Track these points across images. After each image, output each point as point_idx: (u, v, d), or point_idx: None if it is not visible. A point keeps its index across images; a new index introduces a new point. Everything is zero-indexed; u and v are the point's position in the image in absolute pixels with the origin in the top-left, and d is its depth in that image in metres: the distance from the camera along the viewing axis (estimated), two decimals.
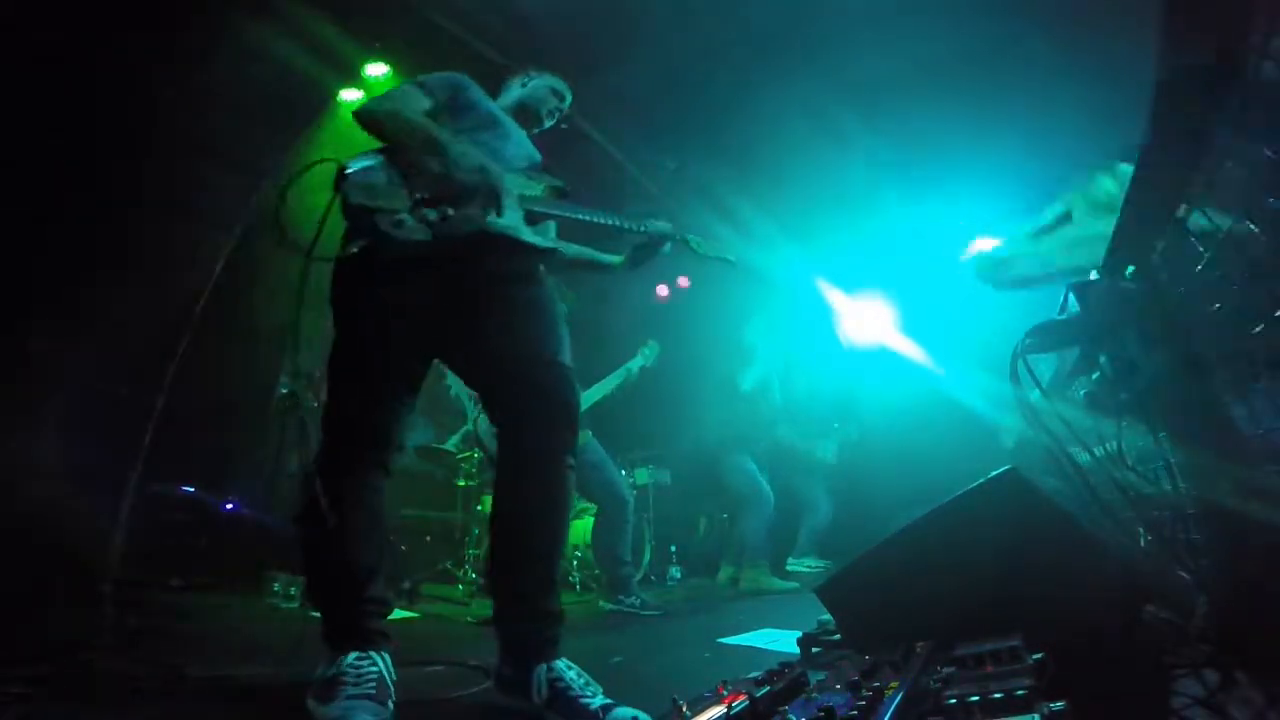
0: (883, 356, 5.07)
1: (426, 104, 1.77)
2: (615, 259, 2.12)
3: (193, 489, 3.30)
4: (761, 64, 3.67)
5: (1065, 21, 3.20)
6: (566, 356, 1.70)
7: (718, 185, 4.56)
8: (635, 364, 3.91)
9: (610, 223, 1.95)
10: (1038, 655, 0.90)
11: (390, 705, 1.41)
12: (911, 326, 5.01)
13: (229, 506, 3.38)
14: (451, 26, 3.23)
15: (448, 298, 1.65)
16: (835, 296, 5.06)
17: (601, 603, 3.40)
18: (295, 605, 2.92)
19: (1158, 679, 1.20)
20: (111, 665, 1.65)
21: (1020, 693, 0.74)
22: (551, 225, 1.88)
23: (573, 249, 2.04)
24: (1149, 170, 1.26)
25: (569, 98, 2.14)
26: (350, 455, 1.61)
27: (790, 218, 4.72)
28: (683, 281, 5.96)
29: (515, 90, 2.10)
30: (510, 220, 1.72)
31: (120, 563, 1.96)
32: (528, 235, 1.75)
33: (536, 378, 1.64)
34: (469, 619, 2.89)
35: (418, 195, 1.62)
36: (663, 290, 5.99)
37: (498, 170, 1.69)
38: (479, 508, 3.93)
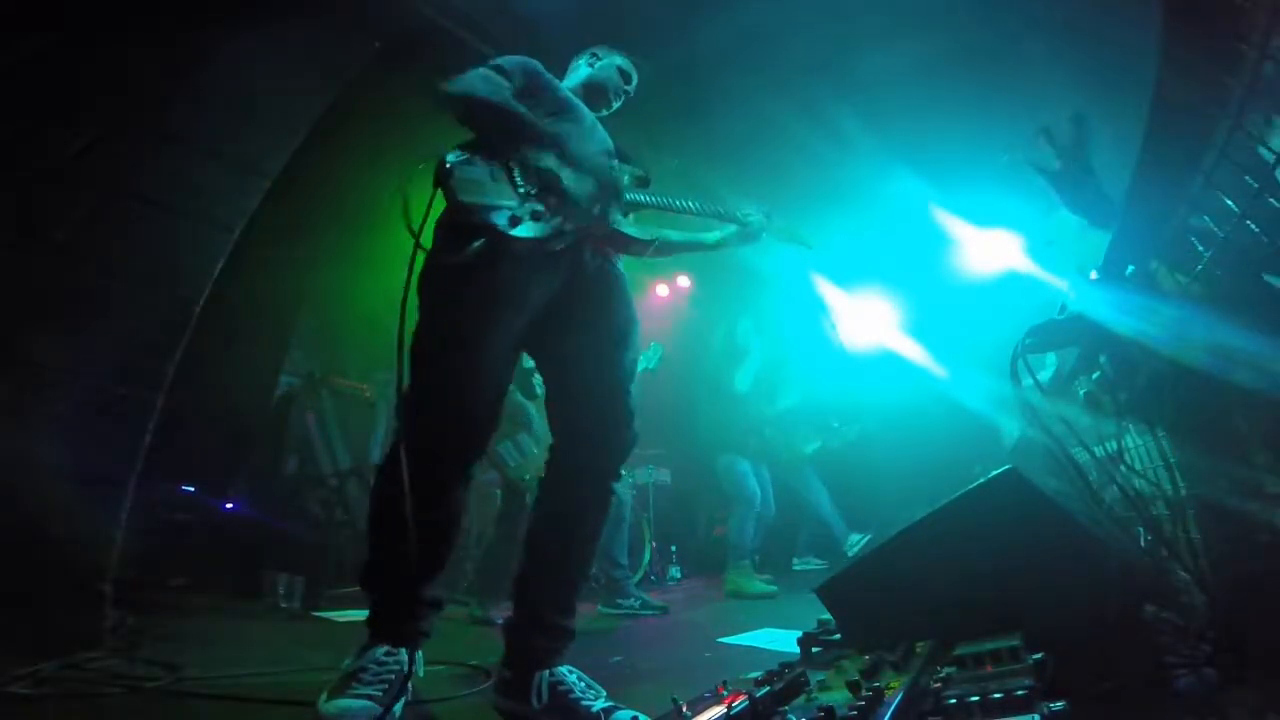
0: (882, 357, 5.07)
1: (508, 89, 1.67)
2: (712, 237, 2.01)
3: (193, 489, 3.30)
4: (762, 63, 3.67)
5: (1066, 21, 3.20)
6: (634, 380, 1.69)
7: (717, 184, 4.56)
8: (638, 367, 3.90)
9: (698, 210, 1.93)
10: (1038, 655, 0.90)
11: (396, 709, 1.36)
12: (911, 326, 5.00)
13: (229, 506, 3.38)
14: (451, 26, 3.23)
15: (552, 290, 1.61)
16: (834, 296, 5.06)
17: (600, 606, 3.39)
18: (295, 605, 2.93)
19: (1158, 679, 1.20)
20: (111, 665, 1.66)
21: (1020, 693, 0.74)
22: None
23: (675, 235, 1.96)
24: (1149, 170, 1.26)
25: (635, 78, 2.05)
26: (444, 455, 1.54)
27: (790, 216, 4.72)
28: (683, 281, 5.96)
29: (583, 70, 2.01)
30: (616, 214, 1.70)
31: (120, 563, 1.96)
32: (630, 228, 1.73)
33: (610, 403, 1.63)
34: (469, 619, 2.89)
35: (523, 189, 1.56)
36: (662, 289, 5.98)
37: (616, 166, 1.65)
38: (480, 508, 3.93)
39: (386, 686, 1.37)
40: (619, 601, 3.34)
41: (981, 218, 4.31)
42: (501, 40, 3.23)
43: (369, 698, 1.33)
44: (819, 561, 4.89)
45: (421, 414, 1.50)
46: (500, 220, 1.50)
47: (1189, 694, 1.13)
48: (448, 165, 1.50)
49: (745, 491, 4.36)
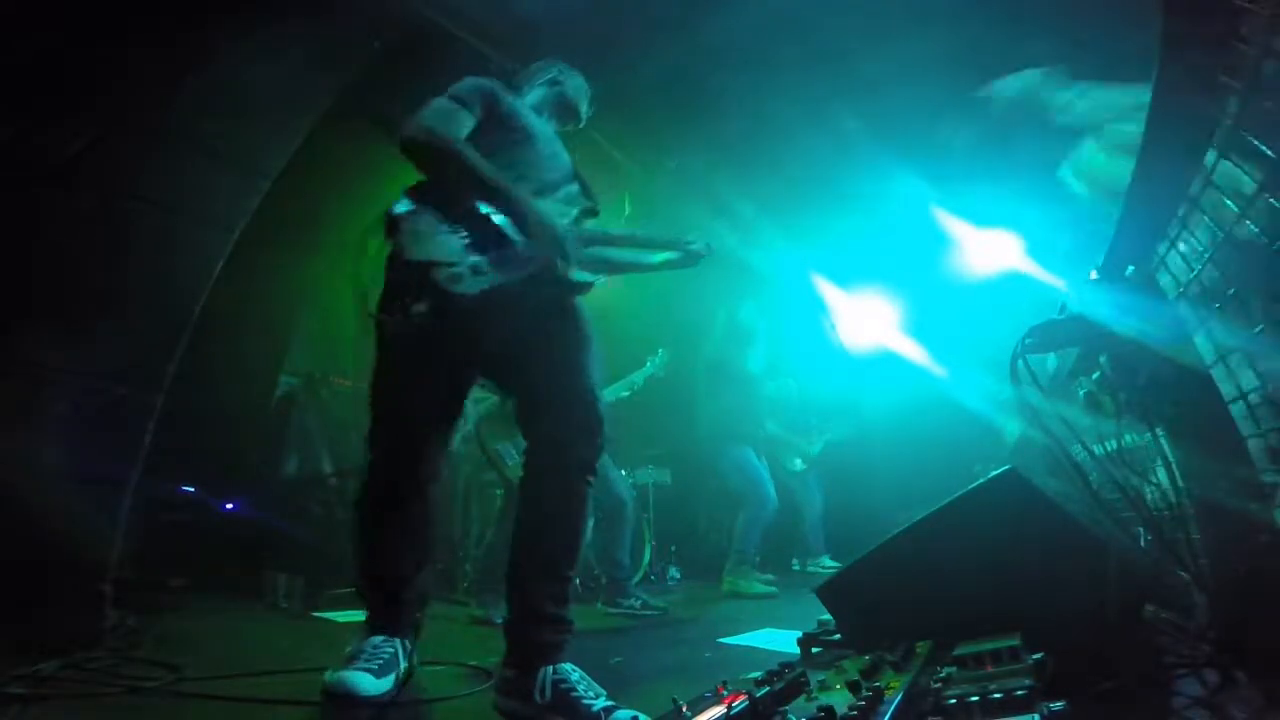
0: (882, 357, 5.07)
1: (470, 124, 1.72)
2: (657, 258, 2.07)
3: (193, 489, 3.30)
4: (761, 62, 3.67)
5: (1067, 21, 3.20)
6: (598, 381, 1.72)
7: (717, 184, 4.56)
8: (642, 374, 3.89)
9: (649, 242, 2.03)
10: (1038, 655, 0.90)
11: (390, 679, 1.59)
12: (911, 326, 5.00)
13: (229, 506, 3.38)
14: (451, 26, 3.23)
15: (495, 337, 1.65)
16: (834, 295, 5.06)
17: (601, 605, 3.39)
18: (295, 605, 2.93)
19: (1158, 679, 1.20)
20: (111, 665, 1.66)
21: (1020, 693, 0.74)
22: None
23: (619, 256, 2.03)
24: (1148, 170, 1.26)
25: (590, 100, 2.13)
26: (394, 482, 1.74)
27: (790, 216, 4.72)
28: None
29: (546, 86, 2.03)
30: (563, 262, 1.70)
31: (120, 563, 1.96)
32: (578, 275, 1.73)
33: (572, 402, 1.66)
34: (469, 619, 2.89)
35: (468, 241, 1.59)
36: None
37: (564, 229, 1.67)
38: (480, 508, 3.93)
39: (382, 663, 1.58)
40: (619, 601, 3.34)
41: (981, 218, 4.32)
42: (502, 40, 3.23)
43: (366, 670, 1.54)
44: (834, 564, 4.82)
45: (374, 445, 1.75)
46: (440, 277, 1.53)
47: (1189, 694, 1.13)
48: (394, 217, 1.59)
49: (760, 488, 4.20)
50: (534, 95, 2.01)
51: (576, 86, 2.07)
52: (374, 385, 1.73)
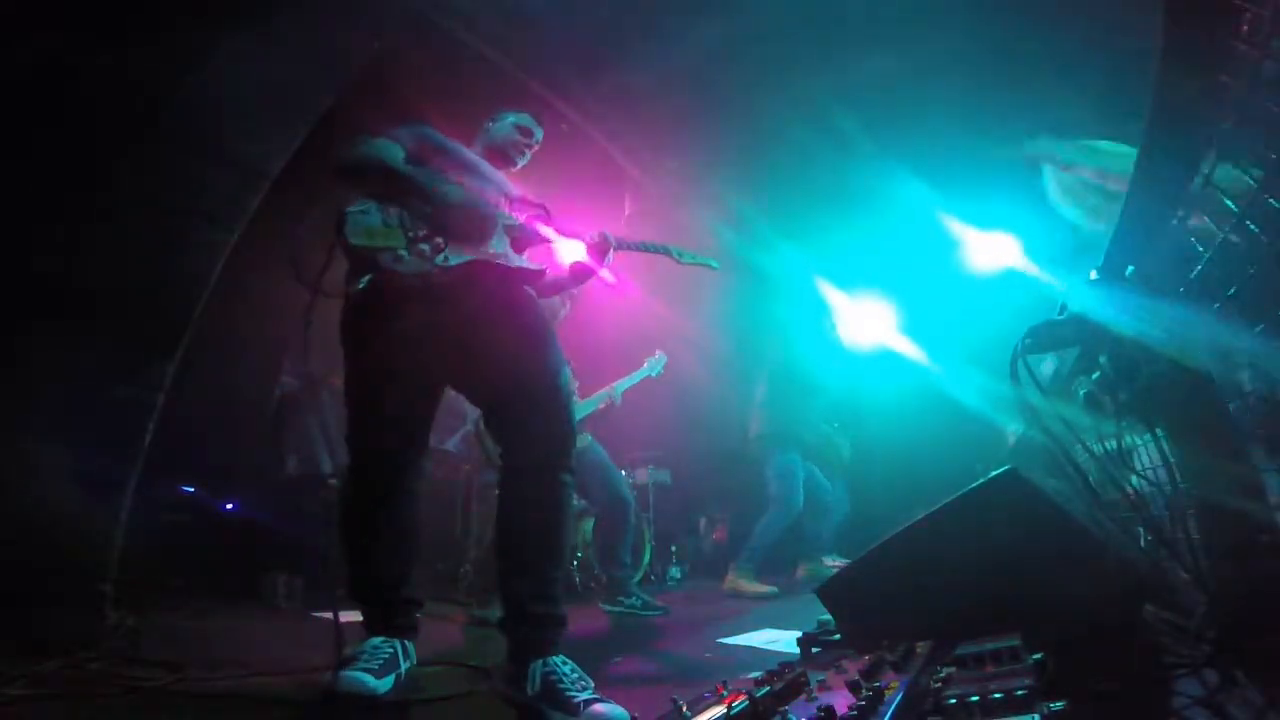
0: (883, 357, 5.07)
1: (400, 153, 1.85)
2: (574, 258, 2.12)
3: (193, 489, 3.30)
4: (761, 65, 3.67)
5: (1067, 21, 3.20)
6: (561, 376, 1.80)
7: (716, 183, 4.56)
8: (638, 375, 3.90)
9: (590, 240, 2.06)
10: (1038, 655, 0.90)
11: (390, 679, 1.62)
12: (911, 326, 5.00)
13: (229, 506, 3.38)
14: (451, 26, 3.23)
15: (449, 327, 1.75)
16: (835, 296, 5.05)
17: (602, 604, 3.39)
18: (295, 605, 2.93)
19: (1158, 679, 1.20)
20: (111, 665, 1.66)
21: (1020, 693, 0.74)
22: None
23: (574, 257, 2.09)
24: (1148, 170, 1.26)
25: (538, 133, 2.18)
26: (374, 484, 1.78)
27: (790, 217, 4.72)
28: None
29: (484, 133, 2.15)
30: (499, 248, 1.86)
31: (120, 563, 1.96)
32: (517, 260, 1.88)
33: (535, 399, 1.73)
34: (468, 619, 2.89)
35: (412, 233, 1.73)
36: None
37: (484, 200, 1.83)
38: (480, 508, 3.92)
39: (382, 663, 1.62)
40: (620, 599, 3.34)
41: (982, 218, 4.32)
42: (502, 40, 3.23)
43: (366, 671, 1.57)
44: (843, 559, 4.81)
45: (352, 446, 1.79)
46: (385, 259, 1.69)
47: (1189, 694, 1.13)
48: (344, 213, 1.72)
49: (792, 498, 4.24)
50: (477, 142, 2.13)
51: (502, 128, 2.14)
52: (346, 385, 1.80)
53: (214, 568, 3.05)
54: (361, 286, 1.68)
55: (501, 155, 2.12)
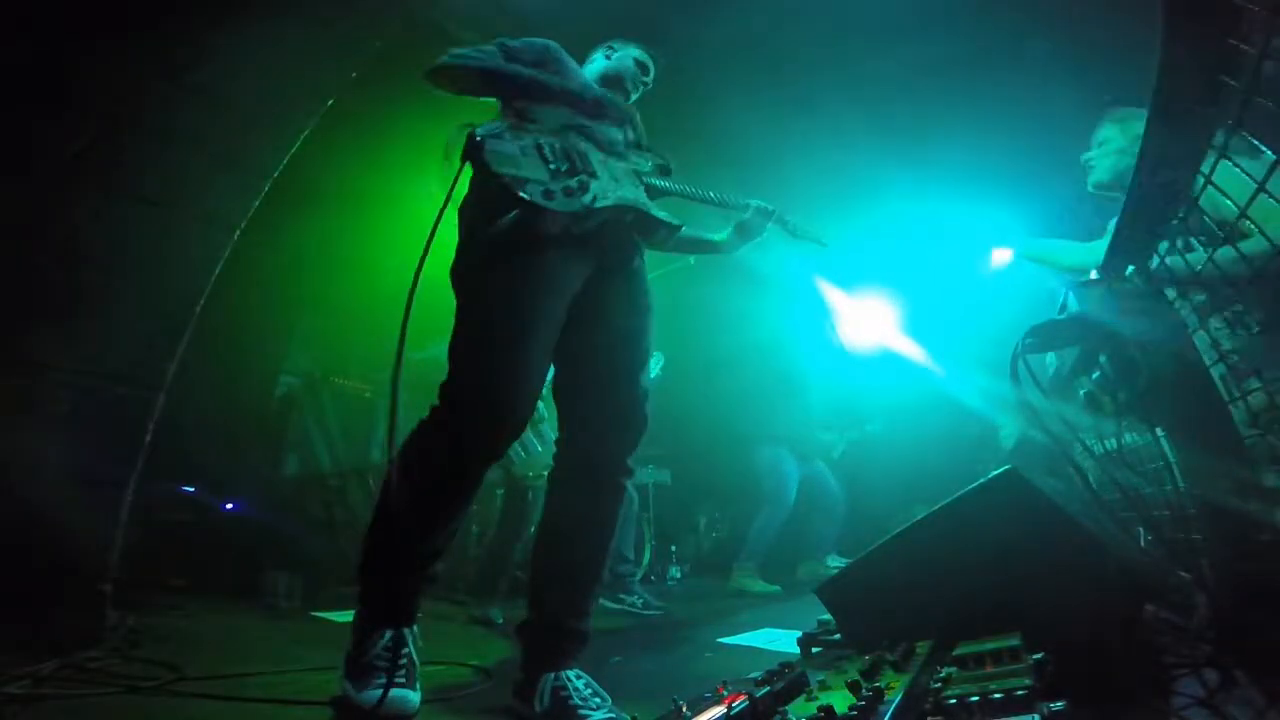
0: (882, 357, 5.06)
1: (500, 56, 1.69)
2: (720, 236, 2.02)
3: (193, 489, 3.30)
4: (763, 62, 3.67)
5: (1067, 22, 3.20)
6: (647, 380, 1.67)
7: (715, 183, 4.54)
8: None
9: (717, 200, 1.95)
10: (1038, 655, 0.90)
11: (418, 685, 1.44)
12: (912, 326, 5.00)
13: (229, 506, 3.38)
14: (453, 27, 3.23)
15: (582, 279, 1.59)
16: (835, 296, 5.05)
17: (603, 601, 3.39)
18: (295, 605, 2.92)
19: (1158, 679, 1.20)
20: (111, 665, 1.66)
21: (1020, 693, 0.74)
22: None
23: (688, 229, 1.93)
24: (1149, 170, 1.26)
25: (653, 69, 2.04)
26: (493, 444, 1.51)
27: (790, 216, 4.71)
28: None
29: (599, 62, 2.00)
30: (638, 195, 1.68)
31: (120, 563, 1.96)
32: (656, 210, 1.70)
33: (620, 401, 1.60)
34: (468, 619, 2.89)
35: (553, 165, 1.54)
36: None
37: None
38: (480, 508, 3.92)
39: (407, 671, 1.41)
40: (622, 597, 3.34)
41: (981, 219, 4.31)
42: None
43: (403, 686, 1.37)
44: (842, 560, 4.80)
45: (461, 413, 1.48)
46: (534, 194, 1.46)
47: (1189, 694, 1.13)
48: (478, 138, 1.47)
49: (784, 493, 4.25)
50: (589, 70, 1.98)
51: (621, 58, 1.99)
52: (462, 343, 1.51)
53: (214, 568, 3.05)
54: (509, 220, 1.49)
55: (617, 86, 1.95)
